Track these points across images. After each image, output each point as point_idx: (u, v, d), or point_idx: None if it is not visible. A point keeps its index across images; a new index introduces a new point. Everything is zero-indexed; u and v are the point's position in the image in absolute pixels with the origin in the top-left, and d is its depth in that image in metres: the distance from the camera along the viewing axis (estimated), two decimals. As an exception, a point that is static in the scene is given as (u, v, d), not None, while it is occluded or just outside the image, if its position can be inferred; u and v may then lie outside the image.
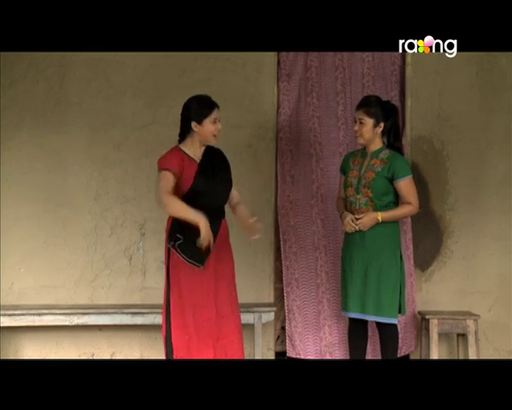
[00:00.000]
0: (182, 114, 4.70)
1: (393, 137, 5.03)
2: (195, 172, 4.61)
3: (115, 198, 6.01)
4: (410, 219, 5.99)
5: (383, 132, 5.00)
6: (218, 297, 4.67)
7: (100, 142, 6.02)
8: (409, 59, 6.12)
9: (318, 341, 6.07)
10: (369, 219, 4.87)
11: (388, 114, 4.97)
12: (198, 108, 4.62)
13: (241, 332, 4.76)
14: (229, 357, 4.64)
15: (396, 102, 5.92)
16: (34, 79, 6.00)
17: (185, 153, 4.65)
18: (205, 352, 4.57)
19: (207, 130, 4.62)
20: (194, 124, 4.61)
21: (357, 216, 4.91)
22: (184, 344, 4.53)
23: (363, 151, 5.08)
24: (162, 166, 4.58)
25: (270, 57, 6.08)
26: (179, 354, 4.53)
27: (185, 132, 4.70)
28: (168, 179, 4.53)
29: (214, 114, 4.63)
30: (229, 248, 4.84)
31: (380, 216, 4.86)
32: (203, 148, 4.73)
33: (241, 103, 6.07)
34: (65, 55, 5.85)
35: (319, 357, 6.06)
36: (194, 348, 4.54)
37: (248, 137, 6.07)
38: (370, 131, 4.95)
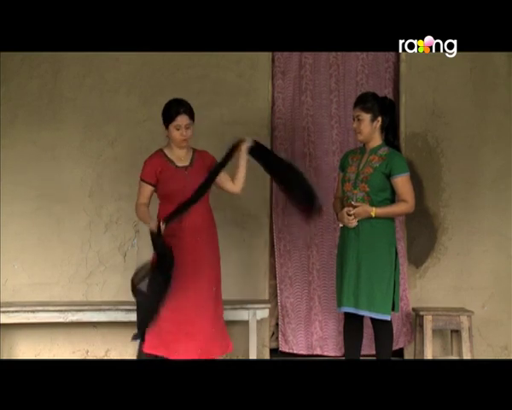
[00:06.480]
0: None
1: (392, 135, 5.05)
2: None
3: (110, 195, 6.01)
4: (402, 218, 6.00)
5: (382, 128, 5.01)
6: None
7: (94, 138, 6.02)
8: (403, 56, 6.11)
9: (310, 336, 6.14)
10: (362, 210, 4.88)
11: (386, 110, 4.99)
12: (165, 113, 4.82)
13: None
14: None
15: (390, 99, 5.94)
16: (28, 75, 5.99)
17: (166, 155, 4.83)
18: (187, 345, 4.71)
19: (173, 135, 4.78)
20: (164, 127, 4.81)
21: (353, 203, 4.91)
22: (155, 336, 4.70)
23: (362, 148, 5.10)
24: (141, 176, 4.87)
25: (264, 54, 6.06)
26: (148, 344, 4.70)
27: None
28: (143, 191, 4.86)
29: (178, 121, 4.74)
30: None
31: (374, 212, 4.86)
32: (186, 150, 4.87)
33: (235, 100, 6.07)
34: (58, 51, 5.84)
35: (310, 351, 6.14)
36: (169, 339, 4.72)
37: (243, 133, 5.98)
38: (368, 127, 4.95)
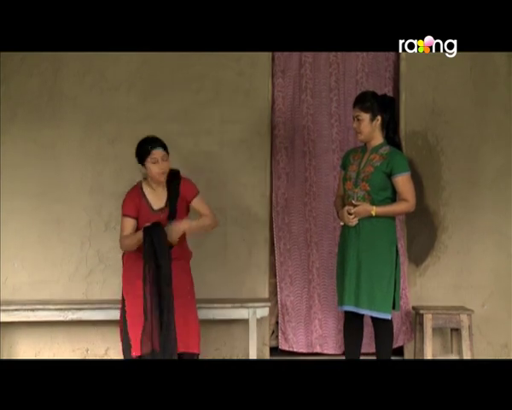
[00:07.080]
0: None
1: (392, 131, 5.05)
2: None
3: (110, 193, 5.97)
4: (402, 217, 5.98)
5: (382, 127, 5.00)
6: None
7: (94, 137, 6.01)
8: (403, 55, 6.10)
9: (309, 334, 6.16)
10: (363, 209, 4.88)
11: (386, 107, 4.98)
12: (139, 152, 4.82)
13: None
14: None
15: (390, 97, 5.93)
16: (28, 73, 5.97)
17: (144, 195, 4.84)
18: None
19: (151, 170, 4.77)
20: (141, 167, 4.82)
21: (354, 202, 4.90)
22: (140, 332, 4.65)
23: (364, 147, 5.10)
24: (123, 212, 4.83)
25: (264, 53, 6.04)
26: (137, 342, 4.64)
27: None
28: (126, 225, 4.80)
29: (155, 154, 4.74)
30: None
31: (374, 211, 4.86)
32: (162, 187, 4.85)
33: (235, 99, 6.06)
34: (58, 49, 5.83)
35: (310, 350, 6.15)
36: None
37: (243, 132, 6.06)
38: (368, 126, 4.95)
